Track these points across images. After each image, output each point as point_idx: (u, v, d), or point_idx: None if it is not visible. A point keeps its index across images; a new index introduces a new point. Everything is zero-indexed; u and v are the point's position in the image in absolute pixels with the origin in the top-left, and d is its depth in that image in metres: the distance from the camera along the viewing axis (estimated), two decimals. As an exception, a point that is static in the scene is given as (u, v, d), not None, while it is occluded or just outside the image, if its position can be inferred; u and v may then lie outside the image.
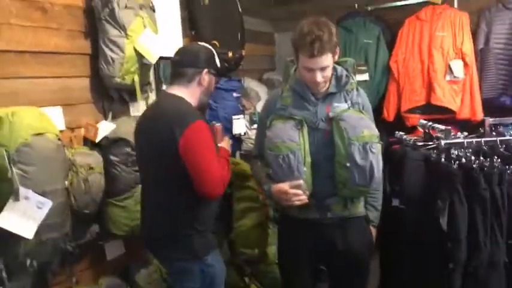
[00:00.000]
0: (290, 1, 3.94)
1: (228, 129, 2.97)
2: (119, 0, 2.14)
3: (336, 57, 1.76)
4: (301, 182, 1.68)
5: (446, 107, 3.13)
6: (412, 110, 3.29)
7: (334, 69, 1.81)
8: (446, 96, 3.13)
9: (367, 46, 3.43)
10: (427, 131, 2.14)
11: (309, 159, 1.72)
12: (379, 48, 3.42)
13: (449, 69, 3.11)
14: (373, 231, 1.93)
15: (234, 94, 3.07)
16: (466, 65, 3.09)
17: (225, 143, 2.00)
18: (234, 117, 3.02)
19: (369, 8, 3.51)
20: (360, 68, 3.41)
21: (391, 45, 3.40)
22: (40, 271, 1.88)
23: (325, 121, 1.76)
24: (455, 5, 3.28)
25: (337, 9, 3.58)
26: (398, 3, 3.44)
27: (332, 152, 1.71)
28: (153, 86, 2.59)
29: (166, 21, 2.65)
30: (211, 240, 1.86)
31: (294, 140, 1.71)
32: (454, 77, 3.10)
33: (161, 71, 2.71)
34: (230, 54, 2.99)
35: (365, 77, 3.45)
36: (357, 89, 1.85)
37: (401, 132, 2.25)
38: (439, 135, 2.04)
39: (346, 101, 1.79)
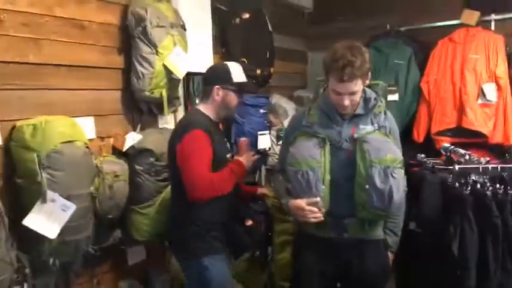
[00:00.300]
0: (324, 21, 3.99)
1: (253, 144, 3.04)
2: (151, 19, 2.28)
3: (367, 81, 1.79)
4: (318, 199, 1.70)
5: (477, 130, 3.05)
6: (442, 133, 3.22)
7: (364, 91, 1.83)
8: (478, 120, 3.05)
9: (398, 67, 3.41)
10: (448, 154, 2.10)
11: (328, 177, 1.74)
12: (410, 69, 3.39)
13: (482, 92, 3.03)
14: (391, 256, 1.91)
15: (261, 110, 3.13)
16: (499, 88, 3.01)
17: (244, 158, 2.06)
18: (259, 132, 3.08)
19: (401, 29, 3.50)
20: (390, 88, 3.39)
21: (422, 67, 3.36)
22: (63, 270, 2.01)
23: (349, 141, 1.77)
24: (492, 27, 3.21)
25: (370, 30, 3.59)
26: (431, 25, 3.41)
27: (353, 172, 1.72)
28: (182, 100, 2.69)
29: (198, 39, 2.77)
30: (211, 244, 1.96)
31: (315, 157, 1.74)
32: (487, 100, 3.02)
33: (195, 86, 2.84)
34: (258, 71, 3.08)
35: (395, 97, 3.42)
36: (385, 113, 1.85)
37: (422, 155, 2.22)
38: (461, 159, 2.01)
39: (372, 124, 1.80)
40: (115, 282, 2.37)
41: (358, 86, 1.70)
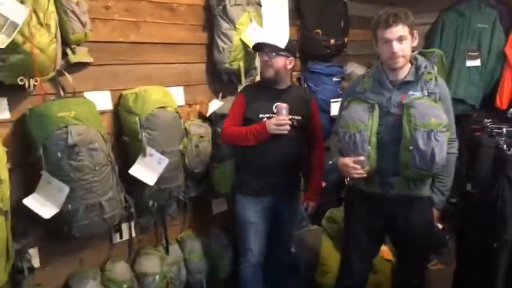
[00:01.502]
0: (408, -14, 3.93)
1: (326, 110, 3.23)
2: (230, -2, 2.57)
3: (415, 42, 1.91)
4: (362, 158, 1.89)
5: None
6: (526, 99, 3.11)
7: (415, 59, 1.95)
8: None
9: (481, 31, 3.30)
10: (513, 118, 2.12)
11: (374, 139, 1.91)
12: (494, 33, 3.26)
13: None
14: (436, 213, 2.03)
15: (334, 79, 3.29)
16: None
17: (270, 121, 2.21)
18: (332, 100, 3.26)
19: (488, -9, 3.35)
20: (471, 53, 3.32)
21: (508, 31, 3.22)
22: (159, 212, 2.46)
23: (397, 106, 1.91)
24: None
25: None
26: (520, -15, 3.22)
27: (399, 135, 1.87)
28: (258, 70, 2.97)
29: (275, 13, 3.00)
30: (241, 185, 2.42)
31: (362, 120, 1.92)
32: None
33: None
34: (332, 41, 3.23)
35: (476, 63, 3.33)
36: (436, 79, 1.93)
37: (489, 120, 2.25)
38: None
39: (422, 90, 1.90)
40: (201, 227, 2.79)
41: (404, 31, 1.82)
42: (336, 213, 3.06)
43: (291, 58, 2.33)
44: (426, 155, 1.80)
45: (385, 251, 2.73)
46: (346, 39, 3.33)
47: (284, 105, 2.21)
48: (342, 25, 3.30)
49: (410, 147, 1.82)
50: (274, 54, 2.26)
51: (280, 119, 2.19)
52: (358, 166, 1.90)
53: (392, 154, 1.90)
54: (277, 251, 2.54)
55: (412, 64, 1.94)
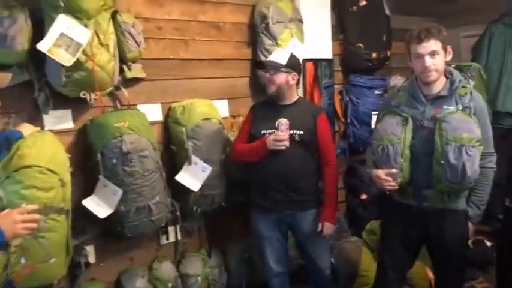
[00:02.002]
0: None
1: (367, 123, 3.27)
2: (273, 16, 2.71)
3: (449, 56, 1.94)
4: (394, 170, 1.94)
5: None
6: None
7: (451, 73, 1.98)
8: None
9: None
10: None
11: (407, 152, 1.95)
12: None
13: None
14: (471, 227, 2.02)
15: (376, 91, 3.33)
16: None
17: (269, 137, 2.23)
18: (373, 113, 3.28)
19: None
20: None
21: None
22: (203, 217, 2.62)
23: (430, 120, 1.94)
24: None
25: (503, 5, 3.43)
26: None
27: (432, 149, 1.90)
28: (301, 83, 3.07)
29: (318, 29, 3.10)
30: (252, 200, 2.44)
31: (396, 133, 1.97)
32: None
33: (321, 71, 3.17)
34: (374, 54, 3.28)
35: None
36: (471, 93, 1.94)
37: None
38: None
39: (457, 105, 1.92)
40: (242, 233, 2.89)
41: (437, 46, 1.86)
42: (376, 225, 3.07)
43: (294, 74, 2.32)
44: (457, 169, 1.82)
45: (427, 268, 2.71)
46: (389, 53, 3.37)
47: (284, 120, 2.23)
48: (384, 38, 3.34)
49: (442, 161, 1.85)
50: (275, 71, 2.29)
51: (278, 134, 2.21)
52: (390, 178, 1.94)
53: (425, 167, 1.93)
54: (309, 268, 2.53)
55: (447, 78, 1.97)
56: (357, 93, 3.30)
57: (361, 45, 3.24)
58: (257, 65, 2.49)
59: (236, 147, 2.40)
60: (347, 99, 3.36)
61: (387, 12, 3.36)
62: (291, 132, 2.25)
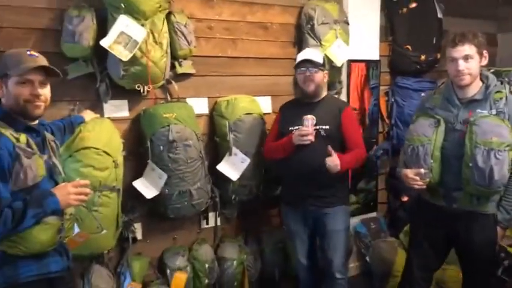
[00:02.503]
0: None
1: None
2: (318, 18, 2.81)
3: (485, 61, 1.95)
4: (422, 170, 1.98)
5: None
6: None
7: (487, 77, 1.99)
8: None
9: None
10: None
11: (438, 153, 1.99)
12: None
13: None
14: (500, 231, 2.01)
15: (423, 94, 3.30)
16: None
17: (295, 133, 2.30)
18: (418, 115, 3.27)
19: None
20: None
21: None
22: (241, 205, 2.78)
23: (463, 123, 1.96)
24: None
25: None
26: None
27: (463, 151, 1.93)
28: (345, 83, 3.14)
29: (366, 30, 3.15)
30: (282, 194, 2.64)
31: (426, 135, 2.01)
32: None
33: (372, 71, 3.24)
34: (423, 57, 3.27)
35: None
36: (506, 98, 1.94)
37: None
38: None
39: (491, 109, 1.93)
40: (278, 223, 3.02)
41: (471, 50, 1.88)
42: (413, 227, 3.07)
43: (326, 71, 2.44)
44: (485, 173, 1.84)
45: (459, 271, 2.69)
46: (438, 55, 3.33)
47: (309, 116, 2.30)
48: (434, 41, 3.30)
49: (470, 164, 1.88)
50: (315, 69, 2.35)
51: (302, 129, 2.28)
52: (417, 178, 1.99)
53: (456, 169, 1.96)
54: (327, 270, 2.50)
55: (483, 82, 1.97)
56: (403, 95, 3.31)
57: (409, 47, 3.23)
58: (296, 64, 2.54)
59: (267, 146, 2.53)
60: (392, 100, 3.37)
61: (439, 15, 3.32)
62: (317, 127, 2.32)
